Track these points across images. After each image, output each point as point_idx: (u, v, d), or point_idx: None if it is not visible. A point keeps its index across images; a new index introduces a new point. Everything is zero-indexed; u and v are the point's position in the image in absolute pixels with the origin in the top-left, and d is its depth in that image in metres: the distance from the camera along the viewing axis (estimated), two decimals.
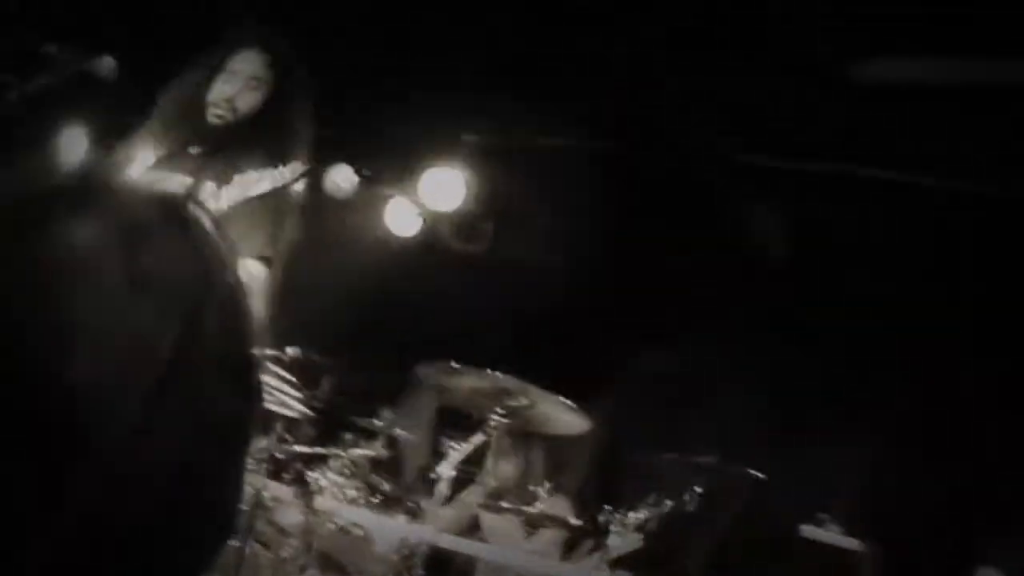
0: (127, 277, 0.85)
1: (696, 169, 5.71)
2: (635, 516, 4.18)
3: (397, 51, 5.58)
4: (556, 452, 5.15)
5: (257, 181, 3.46)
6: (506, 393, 4.45)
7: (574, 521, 4.43)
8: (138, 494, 0.83)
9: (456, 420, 5.12)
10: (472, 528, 4.73)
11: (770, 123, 5.36)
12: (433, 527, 4.34)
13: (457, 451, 4.52)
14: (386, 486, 4.69)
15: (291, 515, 4.45)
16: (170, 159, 3.72)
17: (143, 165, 3.67)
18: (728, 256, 5.72)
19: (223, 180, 3.51)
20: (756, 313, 5.62)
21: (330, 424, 5.14)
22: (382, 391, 5.65)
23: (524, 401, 4.46)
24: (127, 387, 0.83)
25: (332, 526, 4.46)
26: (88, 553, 0.83)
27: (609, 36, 5.10)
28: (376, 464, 4.89)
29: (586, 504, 4.51)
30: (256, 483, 4.23)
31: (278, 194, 3.50)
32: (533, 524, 4.59)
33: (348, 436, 5.02)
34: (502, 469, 4.74)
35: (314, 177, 3.69)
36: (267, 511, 4.39)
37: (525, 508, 4.54)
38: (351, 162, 3.86)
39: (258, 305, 3.42)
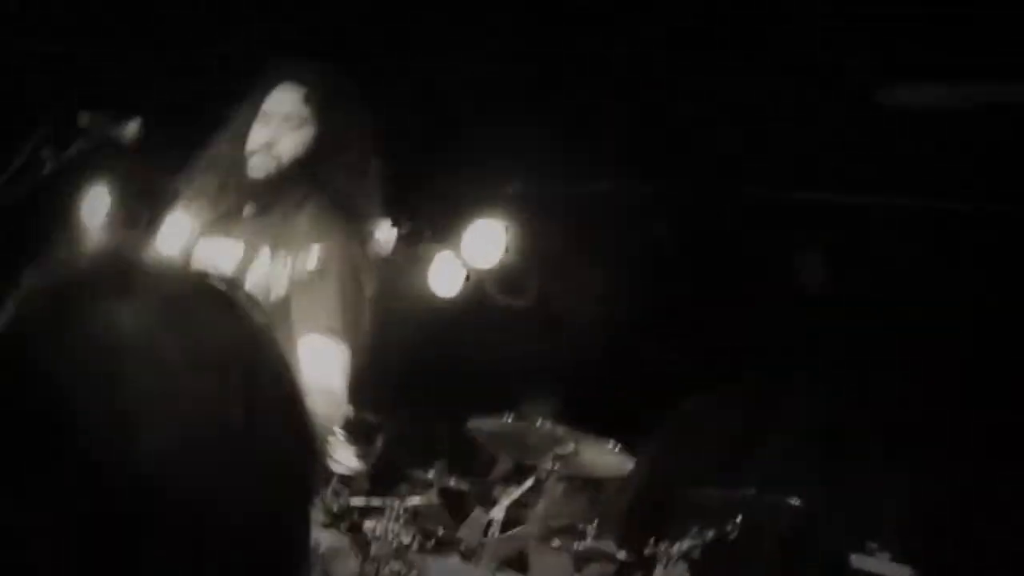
0: (181, 354, 0.86)
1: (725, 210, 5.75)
2: (679, 547, 4.27)
3: (438, 100, 5.46)
4: (602, 492, 5.31)
5: (314, 243, 3.10)
6: (555, 441, 4.64)
7: (621, 556, 4.54)
8: (214, 558, 0.85)
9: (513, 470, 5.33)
10: (523, 567, 4.83)
11: (808, 153, 5.25)
12: (485, 567, 4.46)
13: (508, 495, 4.72)
14: (440, 531, 4.81)
15: (348, 565, 4.58)
16: (219, 223, 3.28)
17: (187, 233, 3.28)
18: (768, 289, 5.79)
19: (279, 244, 3.15)
20: (798, 347, 5.66)
21: (385, 477, 5.30)
22: (435, 444, 5.82)
23: (572, 447, 4.64)
24: (204, 462, 0.85)
25: (387, 572, 4.57)
26: None
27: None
28: (430, 512, 5.02)
29: (632, 539, 4.59)
30: (315, 535, 4.35)
31: (343, 257, 3.11)
32: (582, 560, 4.69)
33: (403, 487, 5.18)
34: (552, 511, 4.86)
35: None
36: (325, 562, 4.52)
37: (574, 546, 4.66)
38: (391, 217, 3.64)
39: (331, 377, 3.03)
